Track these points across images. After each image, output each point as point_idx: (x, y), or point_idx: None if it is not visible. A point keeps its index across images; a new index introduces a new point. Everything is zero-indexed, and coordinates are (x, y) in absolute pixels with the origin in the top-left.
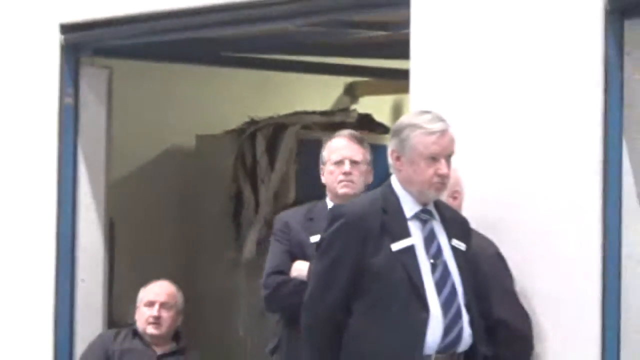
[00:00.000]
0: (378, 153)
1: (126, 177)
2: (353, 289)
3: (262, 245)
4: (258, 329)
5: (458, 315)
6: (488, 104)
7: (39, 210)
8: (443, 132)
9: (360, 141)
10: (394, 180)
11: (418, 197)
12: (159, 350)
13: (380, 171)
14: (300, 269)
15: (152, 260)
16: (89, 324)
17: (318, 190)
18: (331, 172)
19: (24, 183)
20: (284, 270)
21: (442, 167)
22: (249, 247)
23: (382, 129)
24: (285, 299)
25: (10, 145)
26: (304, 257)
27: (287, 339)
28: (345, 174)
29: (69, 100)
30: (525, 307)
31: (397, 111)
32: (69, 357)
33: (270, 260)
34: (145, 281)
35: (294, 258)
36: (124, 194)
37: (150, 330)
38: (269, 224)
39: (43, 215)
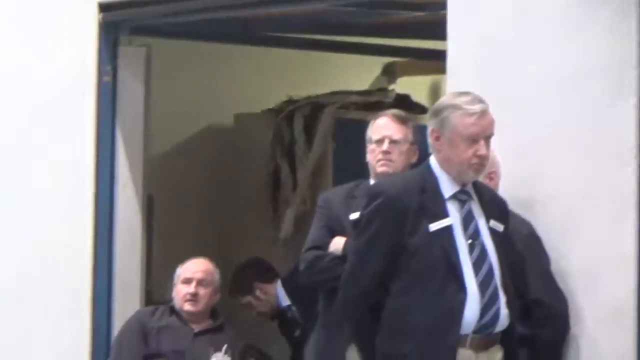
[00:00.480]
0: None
1: (165, 154)
2: (390, 268)
3: (299, 223)
4: None
5: (495, 295)
6: (523, 85)
7: (76, 188)
8: (483, 114)
9: (402, 120)
10: (433, 160)
11: (456, 178)
12: (196, 328)
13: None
14: (337, 243)
15: (190, 237)
16: (127, 301)
17: (355, 169)
18: (372, 151)
19: (62, 161)
20: (321, 246)
21: (481, 148)
22: (287, 225)
23: (420, 109)
24: (320, 273)
25: (49, 124)
26: (343, 233)
27: (324, 314)
28: (384, 152)
29: (107, 78)
30: (561, 286)
31: (434, 92)
32: (106, 334)
33: (309, 236)
34: (183, 258)
35: (333, 234)
36: (162, 171)
37: (188, 307)
38: (306, 203)
39: (81, 192)
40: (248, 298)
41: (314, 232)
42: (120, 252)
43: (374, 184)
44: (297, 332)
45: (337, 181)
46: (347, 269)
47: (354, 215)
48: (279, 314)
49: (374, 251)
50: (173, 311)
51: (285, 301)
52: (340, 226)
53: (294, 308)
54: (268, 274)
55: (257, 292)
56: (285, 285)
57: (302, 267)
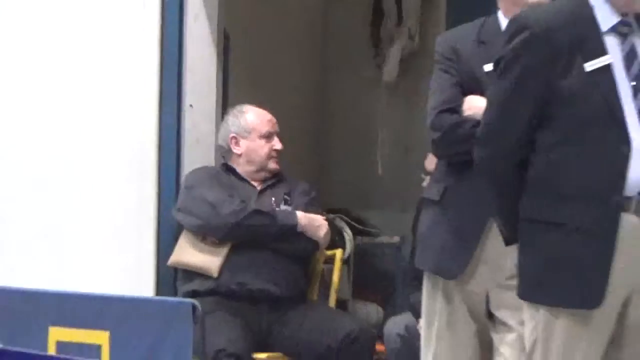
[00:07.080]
0: None
1: None
2: (538, 119)
3: (406, 64)
4: (400, 167)
5: None
6: None
7: (139, 19)
8: None
9: None
10: None
11: (617, 4)
12: (258, 185)
13: None
14: (476, 106)
15: (274, 82)
16: (198, 155)
17: None
18: None
19: None
20: (456, 108)
21: None
22: (391, 65)
23: None
24: (461, 143)
25: None
26: (477, 92)
27: (455, 188)
28: None
29: None
30: None
31: None
32: (175, 190)
33: (437, 95)
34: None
35: (464, 92)
36: (240, 1)
37: (273, 165)
38: (414, 39)
39: (144, 25)
40: None
41: (442, 90)
42: (191, 100)
43: (517, 15)
44: None
45: (453, 11)
46: (485, 121)
47: (489, 67)
48: None
49: (518, 98)
50: (229, 169)
51: None
52: (473, 83)
53: None
54: None
55: None
56: None
57: (435, 135)
